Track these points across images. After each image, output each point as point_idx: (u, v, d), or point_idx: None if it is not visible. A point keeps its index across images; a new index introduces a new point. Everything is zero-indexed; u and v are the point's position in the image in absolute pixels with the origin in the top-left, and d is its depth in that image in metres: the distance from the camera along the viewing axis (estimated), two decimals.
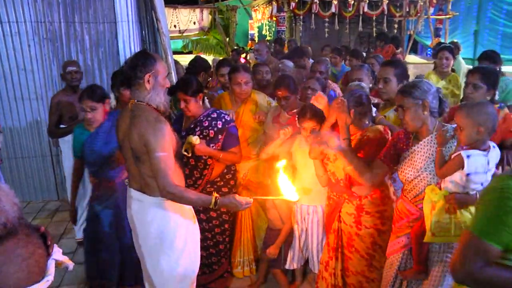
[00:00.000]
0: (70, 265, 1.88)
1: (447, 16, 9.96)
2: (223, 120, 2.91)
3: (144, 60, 2.13)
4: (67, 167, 3.99)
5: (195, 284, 2.45)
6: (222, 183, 3.06)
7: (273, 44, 7.95)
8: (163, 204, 2.23)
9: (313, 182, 2.81)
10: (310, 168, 2.78)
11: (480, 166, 1.99)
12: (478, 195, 2.03)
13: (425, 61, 10.15)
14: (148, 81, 2.13)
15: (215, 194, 2.17)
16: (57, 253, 1.80)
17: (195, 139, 2.79)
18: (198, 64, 4.20)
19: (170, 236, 2.27)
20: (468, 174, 1.98)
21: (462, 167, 1.98)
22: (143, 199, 2.26)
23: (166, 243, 2.26)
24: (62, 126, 3.94)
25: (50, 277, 1.75)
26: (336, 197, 2.69)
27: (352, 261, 2.66)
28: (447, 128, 2.20)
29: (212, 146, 2.86)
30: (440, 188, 2.12)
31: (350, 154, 2.37)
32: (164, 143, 2.09)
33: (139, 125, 2.11)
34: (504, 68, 5.27)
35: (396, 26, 9.02)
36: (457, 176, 2.03)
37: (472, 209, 2.02)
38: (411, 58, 9.96)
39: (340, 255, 2.70)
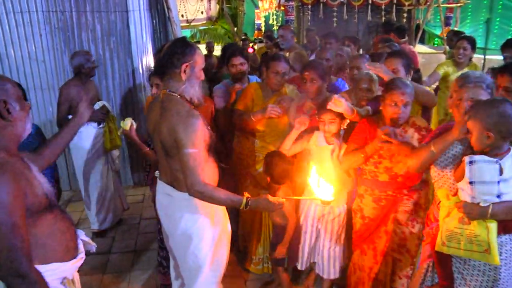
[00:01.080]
0: (93, 246, 1.89)
1: (458, 5, 9.79)
2: None
3: (183, 48, 2.01)
4: (76, 159, 4.01)
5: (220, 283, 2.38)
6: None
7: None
8: (193, 201, 2.12)
9: (329, 181, 2.67)
10: (326, 167, 2.67)
11: (487, 174, 1.73)
12: (491, 209, 1.75)
13: (434, 50, 10.04)
14: (185, 71, 2.02)
15: (247, 194, 2.08)
16: (82, 235, 1.81)
17: (126, 123, 2.54)
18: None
19: (198, 236, 2.19)
20: (471, 183, 1.75)
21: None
22: (172, 193, 2.19)
23: (193, 243, 2.19)
24: (70, 116, 3.90)
25: (82, 254, 1.77)
26: (391, 196, 2.51)
27: (401, 263, 2.54)
28: None
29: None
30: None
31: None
32: (195, 139, 1.98)
33: (170, 119, 2.00)
34: None
35: (405, 15, 8.88)
36: (464, 184, 1.80)
37: (491, 224, 1.77)
38: (420, 48, 9.85)
39: (389, 259, 2.58)
